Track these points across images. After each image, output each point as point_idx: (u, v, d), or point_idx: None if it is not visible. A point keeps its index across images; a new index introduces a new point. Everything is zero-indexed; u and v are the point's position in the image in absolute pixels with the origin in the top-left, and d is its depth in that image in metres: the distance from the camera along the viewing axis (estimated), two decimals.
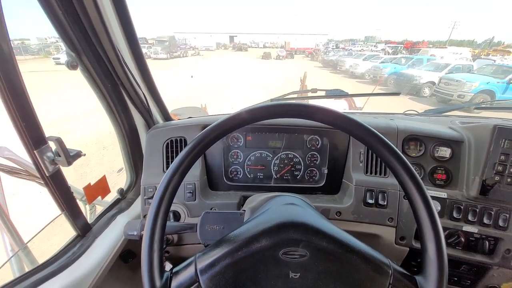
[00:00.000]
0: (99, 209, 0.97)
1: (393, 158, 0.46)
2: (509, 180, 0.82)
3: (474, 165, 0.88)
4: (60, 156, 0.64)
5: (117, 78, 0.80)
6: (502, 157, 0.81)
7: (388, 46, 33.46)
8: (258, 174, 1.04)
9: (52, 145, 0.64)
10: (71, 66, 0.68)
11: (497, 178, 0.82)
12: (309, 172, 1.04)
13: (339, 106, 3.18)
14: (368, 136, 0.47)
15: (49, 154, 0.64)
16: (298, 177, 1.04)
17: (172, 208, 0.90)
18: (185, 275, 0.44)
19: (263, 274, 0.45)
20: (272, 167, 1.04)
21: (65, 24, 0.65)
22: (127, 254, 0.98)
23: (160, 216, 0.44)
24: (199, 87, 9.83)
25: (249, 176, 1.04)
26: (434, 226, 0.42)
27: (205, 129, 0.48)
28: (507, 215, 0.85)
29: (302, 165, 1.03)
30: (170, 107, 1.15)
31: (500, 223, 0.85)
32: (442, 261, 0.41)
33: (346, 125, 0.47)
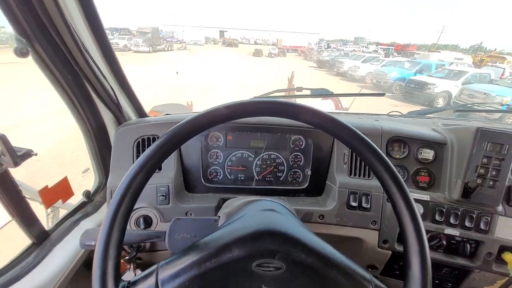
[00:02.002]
0: (63, 212, 0.88)
1: (375, 160, 0.42)
2: (491, 183, 0.81)
3: (456, 168, 0.87)
4: (4, 155, 0.56)
5: (78, 69, 0.71)
6: (484, 160, 0.80)
7: (380, 48, 33.38)
8: (239, 175, 0.99)
9: None
10: (20, 53, 0.59)
11: (479, 181, 0.81)
12: (292, 173, 1.00)
13: (325, 106, 3.18)
14: (353, 139, 0.43)
15: None
16: (281, 179, 1.00)
17: (143, 212, 0.84)
18: (143, 286, 0.39)
19: (232, 287, 0.40)
20: (253, 168, 0.99)
21: (11, 3, 0.56)
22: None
23: (119, 218, 0.38)
24: (184, 85, 8.87)
25: (230, 178, 0.99)
26: (420, 243, 0.39)
27: (177, 124, 0.42)
28: (488, 218, 0.84)
29: (285, 166, 0.99)
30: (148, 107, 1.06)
31: (482, 226, 0.84)
32: (426, 281, 0.38)
33: (331, 126, 0.43)
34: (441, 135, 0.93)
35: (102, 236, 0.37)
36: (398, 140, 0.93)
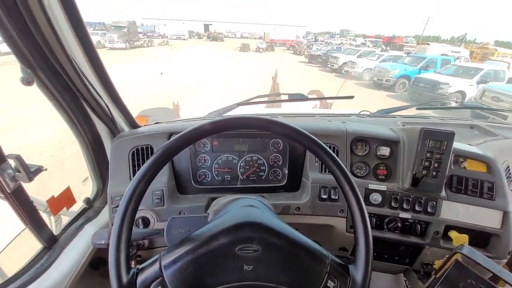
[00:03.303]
0: (66, 219, 0.97)
1: (327, 158, 0.55)
2: (434, 173, 0.97)
3: (407, 162, 1.03)
4: (20, 172, 0.65)
5: (76, 91, 0.80)
6: (428, 155, 0.97)
7: (369, 41, 32.28)
8: (225, 176, 1.11)
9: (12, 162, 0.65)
10: (27, 82, 0.68)
11: (424, 172, 0.98)
12: (272, 172, 1.13)
13: (312, 103, 3.30)
14: (309, 143, 0.56)
15: (9, 171, 0.64)
16: (263, 177, 1.13)
17: (141, 214, 0.94)
18: (150, 271, 0.49)
19: (220, 267, 0.52)
20: (238, 169, 1.11)
21: (17, 40, 0.64)
22: (98, 262, 1.00)
23: (127, 218, 0.48)
24: (166, 86, 8.19)
25: (217, 179, 1.10)
26: (364, 223, 0.53)
27: (171, 140, 0.53)
28: (434, 203, 1.01)
29: (266, 166, 1.12)
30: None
31: (429, 209, 1.01)
32: (368, 254, 0.52)
33: (293, 136, 0.56)
34: (395, 134, 1.09)
35: (115, 233, 0.48)
36: (360, 139, 1.09)
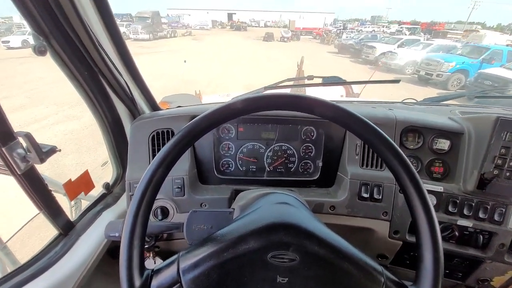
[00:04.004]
0: (85, 204, 0.93)
1: (389, 152, 0.42)
2: (507, 174, 0.79)
3: (473, 158, 0.85)
4: (31, 152, 0.59)
5: (94, 65, 0.72)
6: (503, 151, 0.78)
7: (405, 27, 28.43)
8: (250, 166, 1.00)
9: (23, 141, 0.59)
10: (39, 51, 0.61)
11: (495, 172, 0.80)
12: (303, 164, 1.00)
13: (336, 92, 3.11)
14: (365, 131, 0.43)
15: (20, 150, 0.58)
16: (291, 170, 1.01)
17: (160, 204, 0.87)
18: (166, 274, 0.41)
19: (249, 277, 0.42)
20: (265, 160, 1.00)
21: (27, 3, 0.57)
22: (115, 250, 0.96)
23: (142, 210, 0.41)
24: (185, 77, 7.84)
25: (241, 169, 1.00)
26: (433, 237, 0.39)
27: (195, 119, 0.43)
28: (503, 210, 0.83)
29: (296, 157, 0.99)
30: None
31: (496, 217, 0.84)
32: (438, 274, 0.39)
33: (344, 119, 0.44)
34: (458, 124, 0.90)
35: (127, 228, 0.40)
36: (413, 130, 0.92)
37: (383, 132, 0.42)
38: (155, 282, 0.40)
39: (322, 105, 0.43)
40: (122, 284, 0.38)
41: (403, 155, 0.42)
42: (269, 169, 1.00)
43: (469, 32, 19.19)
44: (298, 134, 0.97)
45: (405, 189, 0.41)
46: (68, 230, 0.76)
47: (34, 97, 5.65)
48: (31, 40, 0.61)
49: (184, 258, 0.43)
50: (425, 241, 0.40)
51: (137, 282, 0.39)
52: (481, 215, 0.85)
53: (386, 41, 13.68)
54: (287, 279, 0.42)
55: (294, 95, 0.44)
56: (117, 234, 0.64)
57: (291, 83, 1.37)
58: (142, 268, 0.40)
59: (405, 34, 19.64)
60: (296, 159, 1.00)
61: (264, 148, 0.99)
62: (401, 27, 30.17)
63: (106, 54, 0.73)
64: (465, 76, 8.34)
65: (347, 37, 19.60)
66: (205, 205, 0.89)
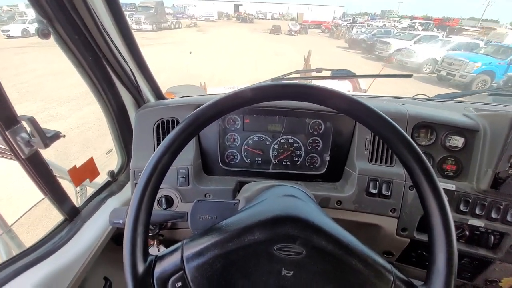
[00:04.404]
0: (91, 191, 0.93)
1: (404, 148, 0.40)
2: None
3: (487, 157, 0.82)
4: (35, 137, 0.58)
5: (98, 50, 0.71)
6: None
7: (418, 23, 27.18)
8: (256, 159, 0.99)
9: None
10: (42, 34, 0.59)
11: (511, 171, 0.76)
12: (310, 158, 0.98)
13: (343, 87, 3.04)
14: (380, 125, 0.41)
15: (23, 135, 0.58)
16: (298, 163, 0.99)
17: (165, 193, 0.86)
18: (169, 261, 0.41)
19: (254, 268, 0.42)
20: (271, 152, 0.98)
21: None
22: (120, 237, 0.96)
23: (146, 197, 0.40)
24: (190, 75, 7.30)
25: (247, 161, 0.99)
26: (448, 237, 0.37)
27: (202, 106, 0.42)
28: None
29: (303, 150, 0.97)
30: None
31: (508, 218, 0.81)
32: (451, 276, 0.37)
33: (358, 112, 0.41)
34: (473, 121, 0.87)
35: (131, 214, 0.39)
36: (425, 125, 0.88)
37: (398, 126, 0.40)
38: (158, 268, 0.40)
39: (336, 96, 0.41)
40: (125, 269, 0.38)
41: (419, 151, 0.39)
42: (274, 162, 0.99)
43: (487, 29, 18.03)
44: (305, 127, 0.95)
45: (419, 186, 0.39)
46: (73, 215, 0.77)
47: (24, 91, 5.38)
48: (32, 29, 0.60)
49: (188, 246, 0.42)
50: (438, 241, 0.38)
51: (141, 267, 0.39)
52: (493, 215, 0.82)
53: (402, 37, 12.85)
54: (292, 272, 0.41)
55: (307, 85, 0.42)
56: (121, 221, 0.64)
57: (298, 75, 1.33)
58: (146, 254, 0.40)
59: (418, 30, 18.89)
60: (303, 153, 0.98)
61: (270, 140, 0.97)
62: (413, 22, 28.85)
63: (111, 40, 0.71)
64: (491, 78, 7.78)
65: (357, 31, 18.73)
66: (210, 196, 0.88)
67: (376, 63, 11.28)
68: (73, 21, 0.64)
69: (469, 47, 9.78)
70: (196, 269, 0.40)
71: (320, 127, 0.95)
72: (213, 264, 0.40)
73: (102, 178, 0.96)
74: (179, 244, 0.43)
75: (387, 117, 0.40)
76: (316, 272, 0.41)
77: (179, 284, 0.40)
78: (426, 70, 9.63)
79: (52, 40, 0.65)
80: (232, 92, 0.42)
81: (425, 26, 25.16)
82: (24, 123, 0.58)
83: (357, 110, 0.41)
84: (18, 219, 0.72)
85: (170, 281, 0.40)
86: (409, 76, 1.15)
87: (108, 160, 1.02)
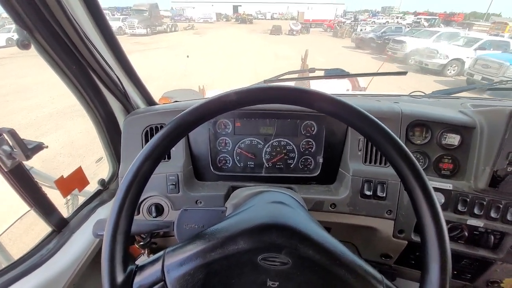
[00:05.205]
0: (82, 200, 0.92)
1: (390, 146, 0.38)
2: None
3: (485, 154, 0.79)
4: (16, 149, 0.57)
5: (81, 58, 0.70)
6: None
7: (424, 19, 25.93)
8: (248, 162, 0.97)
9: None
10: (22, 45, 0.59)
11: (509, 169, 0.74)
12: (303, 160, 0.96)
13: (341, 86, 3.01)
14: (365, 125, 0.40)
15: (5, 147, 0.57)
16: (291, 166, 0.97)
17: (154, 201, 0.85)
18: (150, 271, 0.40)
19: (237, 279, 0.40)
20: (263, 155, 0.96)
21: None
22: None
23: (127, 205, 0.39)
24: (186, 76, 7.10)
25: (239, 165, 0.97)
26: (442, 246, 0.35)
27: (183, 112, 0.41)
28: None
29: (296, 153, 0.96)
30: None
31: (508, 217, 0.78)
32: (445, 286, 0.35)
33: (347, 115, 0.40)
34: (469, 118, 0.84)
35: (110, 222, 0.38)
36: (420, 124, 0.86)
37: (384, 126, 0.38)
38: (138, 278, 0.39)
39: (320, 99, 0.40)
40: (103, 279, 0.37)
41: (408, 151, 0.38)
42: (267, 165, 0.97)
43: (498, 24, 16.94)
44: (297, 129, 0.93)
45: (410, 190, 0.37)
46: (61, 226, 0.76)
47: None
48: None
49: (169, 255, 0.41)
50: (431, 250, 0.35)
51: (120, 277, 0.37)
52: (493, 214, 0.79)
53: (417, 34, 11.34)
54: (277, 283, 0.40)
55: (291, 88, 0.41)
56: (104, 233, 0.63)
57: (292, 76, 1.32)
58: (125, 263, 0.39)
59: (424, 26, 17.85)
60: (296, 155, 0.96)
61: (262, 143, 0.95)
62: (418, 18, 27.74)
63: (95, 47, 0.70)
64: None
65: (361, 30, 17.81)
66: (201, 202, 0.87)
67: (390, 65, 9.67)
68: (53, 30, 0.63)
69: (500, 46, 8.32)
70: (176, 280, 0.39)
71: (312, 129, 0.93)
72: (195, 275, 0.39)
73: (93, 187, 0.95)
74: (160, 253, 0.42)
75: (374, 119, 0.39)
76: (303, 283, 0.40)
77: None
78: (450, 72, 8.57)
79: (33, 50, 0.64)
80: (217, 96, 0.41)
81: (431, 21, 24.21)
82: (5, 136, 0.57)
83: (342, 111, 0.40)
84: (3, 232, 0.71)
85: None
86: (404, 73, 1.13)
87: (98, 169, 1.01)
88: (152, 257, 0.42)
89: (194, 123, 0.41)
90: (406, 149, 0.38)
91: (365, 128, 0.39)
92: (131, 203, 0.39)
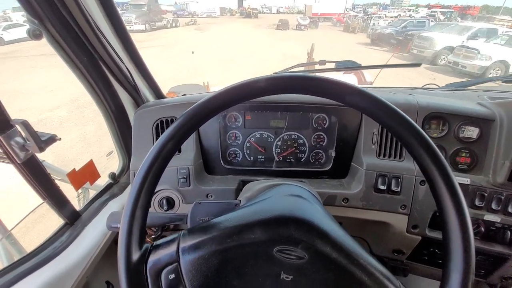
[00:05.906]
0: (93, 193, 0.92)
1: (414, 140, 0.37)
2: None
3: (504, 148, 0.76)
4: (29, 141, 0.57)
5: (92, 50, 0.69)
6: None
7: (440, 12, 24.20)
8: (258, 156, 0.96)
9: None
10: (34, 35, 0.58)
11: None
12: (314, 154, 0.95)
13: (347, 80, 2.96)
14: (388, 117, 0.38)
15: (18, 139, 0.57)
16: (302, 160, 0.95)
17: (166, 194, 0.85)
18: (165, 251, 0.40)
19: (251, 269, 0.40)
20: (274, 149, 0.95)
21: None
22: None
23: (142, 198, 0.38)
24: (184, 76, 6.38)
25: (249, 159, 0.96)
26: (465, 242, 0.33)
27: (197, 103, 0.40)
28: None
29: (307, 146, 0.94)
30: None
31: None
32: (469, 276, 0.33)
33: (368, 105, 0.39)
34: (489, 110, 0.81)
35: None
36: (437, 116, 0.83)
37: (408, 117, 0.37)
38: (152, 257, 0.39)
39: (355, 93, 0.39)
40: (119, 254, 0.37)
41: (432, 143, 0.36)
42: (278, 159, 0.96)
43: None
44: (309, 122, 0.91)
45: (433, 182, 0.35)
46: (74, 219, 0.76)
47: None
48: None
49: (185, 237, 0.41)
50: (454, 240, 0.33)
51: (135, 254, 0.37)
52: (510, 209, 0.77)
53: (447, 30, 9.71)
54: (291, 277, 0.39)
55: (324, 79, 0.40)
56: (118, 225, 0.62)
57: (302, 68, 1.29)
58: (142, 241, 0.39)
59: (440, 19, 16.44)
60: (307, 149, 0.94)
61: (273, 137, 0.94)
62: (433, 11, 25.89)
63: (106, 39, 0.69)
64: None
65: (373, 24, 16.39)
66: (211, 196, 0.86)
67: (424, 71, 8.02)
68: (65, 21, 0.62)
69: None
70: (190, 263, 0.39)
71: (324, 122, 0.91)
72: (209, 260, 0.39)
73: (104, 180, 0.95)
74: (176, 234, 0.42)
75: (396, 108, 0.37)
76: (317, 279, 0.39)
77: (172, 276, 0.38)
78: (492, 75, 7.40)
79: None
80: (246, 81, 0.39)
81: (447, 15, 22.48)
82: (18, 127, 0.56)
83: (369, 104, 0.38)
84: (17, 224, 0.71)
85: (163, 272, 0.38)
86: (418, 65, 1.09)
87: (108, 163, 1.01)
88: (168, 237, 0.42)
89: (206, 116, 0.41)
90: (430, 141, 0.36)
91: (386, 118, 0.38)
92: (146, 196, 0.38)
